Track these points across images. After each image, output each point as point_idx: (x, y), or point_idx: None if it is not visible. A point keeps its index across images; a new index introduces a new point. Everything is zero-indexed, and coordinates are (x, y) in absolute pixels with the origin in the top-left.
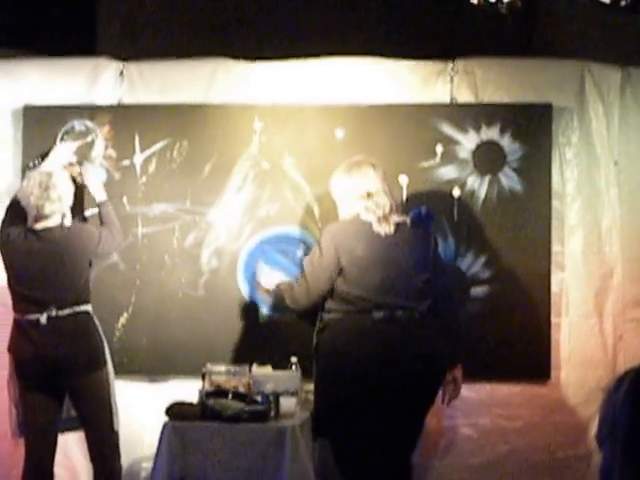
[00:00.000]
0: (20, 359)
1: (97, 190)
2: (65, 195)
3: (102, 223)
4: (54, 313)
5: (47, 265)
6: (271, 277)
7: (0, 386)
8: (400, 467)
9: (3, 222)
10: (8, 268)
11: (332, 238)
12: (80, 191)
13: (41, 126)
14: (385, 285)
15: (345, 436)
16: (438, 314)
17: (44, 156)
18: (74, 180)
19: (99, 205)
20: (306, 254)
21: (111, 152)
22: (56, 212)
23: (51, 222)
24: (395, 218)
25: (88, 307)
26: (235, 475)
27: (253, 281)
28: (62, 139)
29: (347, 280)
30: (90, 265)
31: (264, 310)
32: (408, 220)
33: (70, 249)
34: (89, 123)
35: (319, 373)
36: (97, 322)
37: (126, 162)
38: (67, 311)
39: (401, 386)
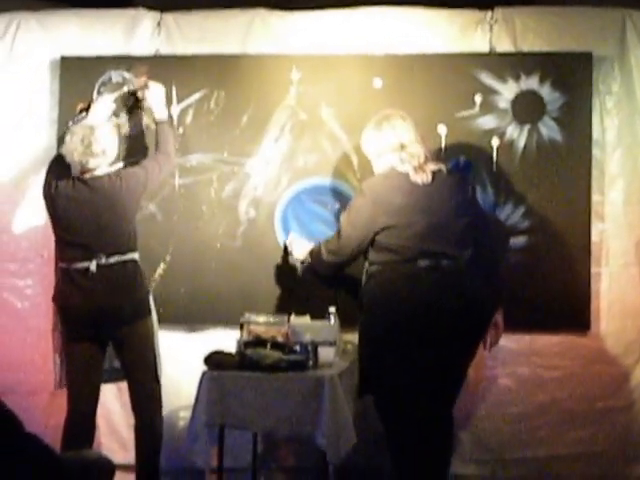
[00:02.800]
0: (67, 307)
1: (159, 107)
2: (109, 148)
3: (157, 143)
4: (103, 261)
5: (97, 213)
6: (303, 247)
7: (38, 337)
8: (442, 418)
9: (48, 173)
10: (56, 217)
11: (370, 194)
12: (127, 140)
13: (78, 77)
14: (428, 233)
15: (390, 386)
16: (480, 261)
17: (83, 110)
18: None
19: (157, 123)
20: (343, 205)
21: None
22: (101, 165)
23: (98, 171)
24: (431, 166)
25: (135, 255)
26: (273, 424)
27: (285, 250)
28: (99, 90)
29: (390, 232)
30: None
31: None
32: (444, 167)
33: (119, 196)
34: (126, 74)
35: (364, 322)
36: (143, 271)
37: None
38: (116, 259)
39: (446, 335)
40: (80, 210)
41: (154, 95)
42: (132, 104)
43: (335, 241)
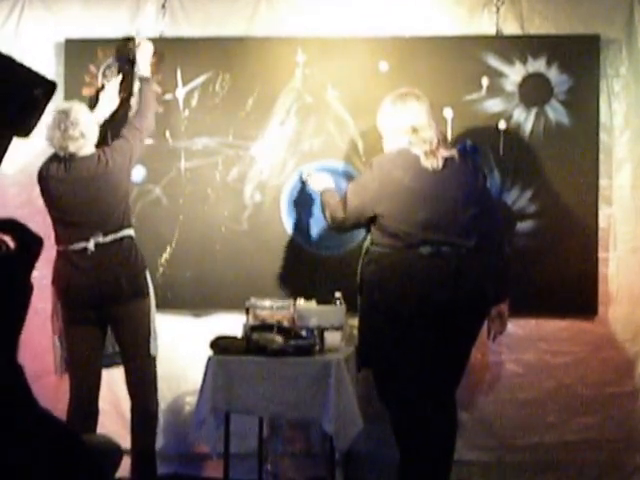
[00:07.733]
0: (67, 289)
1: (145, 65)
2: (87, 129)
3: (139, 100)
4: (101, 239)
5: (89, 192)
6: (320, 181)
7: (45, 320)
8: (444, 402)
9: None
10: (50, 200)
11: (379, 171)
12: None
13: (83, 60)
14: (433, 222)
15: (389, 370)
16: (485, 250)
17: (92, 96)
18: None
19: (141, 80)
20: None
21: (154, 86)
22: (83, 147)
23: (83, 152)
24: (443, 152)
25: (131, 231)
26: (280, 409)
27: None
28: (104, 73)
29: (394, 217)
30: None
31: (307, 245)
32: (456, 154)
33: (108, 173)
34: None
35: (364, 306)
36: (138, 247)
37: (168, 96)
38: (112, 236)
39: (445, 321)
40: (72, 191)
41: (144, 52)
42: (127, 66)
43: (341, 211)
